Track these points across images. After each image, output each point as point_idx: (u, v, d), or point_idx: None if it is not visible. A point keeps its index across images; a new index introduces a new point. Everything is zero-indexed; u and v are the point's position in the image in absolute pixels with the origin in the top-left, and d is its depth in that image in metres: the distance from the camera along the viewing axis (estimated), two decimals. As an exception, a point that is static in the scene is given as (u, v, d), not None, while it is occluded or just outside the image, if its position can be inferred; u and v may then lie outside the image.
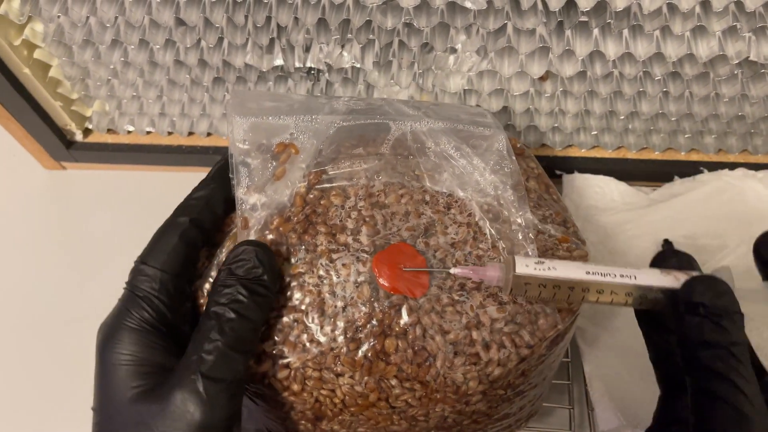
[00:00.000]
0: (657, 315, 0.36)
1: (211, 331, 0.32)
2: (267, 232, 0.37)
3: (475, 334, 0.35)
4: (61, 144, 0.61)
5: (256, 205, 0.37)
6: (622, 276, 0.34)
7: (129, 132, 0.63)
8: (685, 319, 0.31)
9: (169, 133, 0.62)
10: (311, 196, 0.38)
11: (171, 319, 0.34)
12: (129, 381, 0.32)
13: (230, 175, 0.38)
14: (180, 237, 0.35)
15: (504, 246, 0.38)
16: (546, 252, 0.39)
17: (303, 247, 0.36)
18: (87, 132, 0.63)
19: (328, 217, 0.37)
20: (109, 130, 0.63)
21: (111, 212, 0.64)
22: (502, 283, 0.35)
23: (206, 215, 0.37)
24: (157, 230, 0.36)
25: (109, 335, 0.33)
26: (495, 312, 0.36)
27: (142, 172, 0.65)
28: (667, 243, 0.54)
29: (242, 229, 0.37)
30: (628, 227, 0.55)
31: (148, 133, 0.63)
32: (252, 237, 0.36)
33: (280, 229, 0.37)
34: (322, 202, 0.38)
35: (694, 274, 0.33)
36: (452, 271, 0.36)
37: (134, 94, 0.57)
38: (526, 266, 0.34)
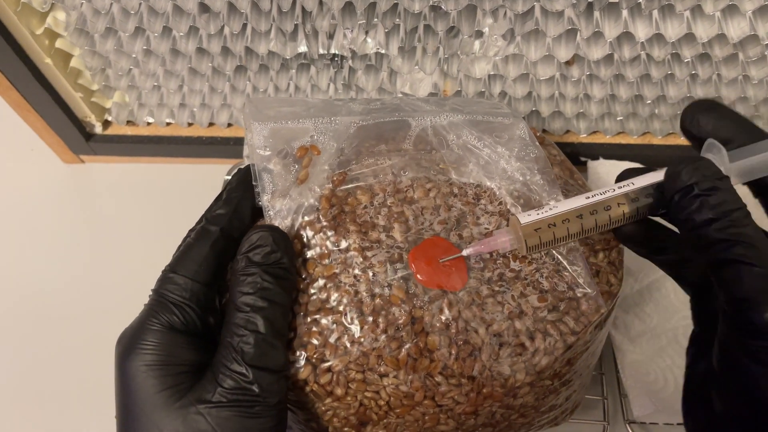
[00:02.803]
0: (656, 227, 0.34)
1: (246, 321, 0.32)
2: (296, 236, 0.36)
3: (518, 324, 0.35)
4: (81, 136, 0.61)
5: (282, 210, 0.36)
6: (620, 187, 0.34)
7: (149, 124, 0.62)
8: (681, 205, 0.30)
9: (189, 125, 0.62)
10: (337, 196, 0.37)
11: (201, 328, 0.33)
12: (163, 383, 0.31)
13: (254, 183, 0.37)
14: (211, 247, 0.34)
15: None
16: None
17: (336, 247, 0.36)
18: (106, 124, 0.63)
19: (357, 216, 0.36)
20: (128, 122, 0.62)
21: (131, 206, 0.63)
22: (516, 245, 0.35)
23: (235, 224, 0.36)
24: (186, 239, 0.35)
25: (132, 341, 0.32)
26: (536, 301, 0.35)
27: (162, 165, 0.65)
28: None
29: None
30: (655, 213, 0.55)
31: (168, 124, 0.62)
32: None
33: (309, 231, 0.36)
34: (349, 201, 0.37)
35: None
36: (465, 252, 0.35)
37: (155, 84, 0.57)
38: (529, 215, 0.34)
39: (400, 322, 0.34)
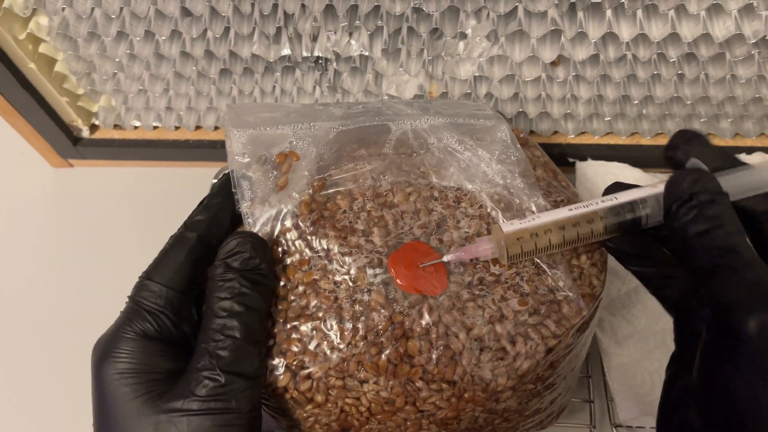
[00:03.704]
0: (640, 242, 0.35)
1: (222, 326, 0.31)
2: (275, 243, 0.36)
3: (499, 329, 0.34)
4: (68, 140, 0.61)
5: (262, 217, 0.36)
6: (603, 201, 0.35)
7: (136, 127, 0.62)
8: (677, 214, 0.30)
9: (176, 128, 0.62)
10: (317, 201, 0.37)
11: (176, 335, 0.33)
12: (136, 390, 0.31)
13: (233, 190, 0.37)
14: (187, 254, 0.34)
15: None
16: None
17: (315, 254, 0.36)
18: (93, 128, 0.63)
19: (336, 221, 0.36)
20: (115, 126, 0.62)
21: (120, 210, 0.63)
22: (497, 253, 0.35)
23: (213, 231, 0.36)
24: (164, 247, 0.35)
25: (107, 348, 0.32)
26: (517, 304, 0.35)
27: (150, 169, 0.65)
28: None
29: None
30: (643, 214, 0.54)
31: (155, 128, 0.62)
32: None
33: (289, 237, 0.36)
34: (328, 206, 0.37)
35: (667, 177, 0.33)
36: (445, 258, 0.35)
37: (140, 88, 0.57)
38: (512, 224, 0.35)
39: (380, 327, 0.34)
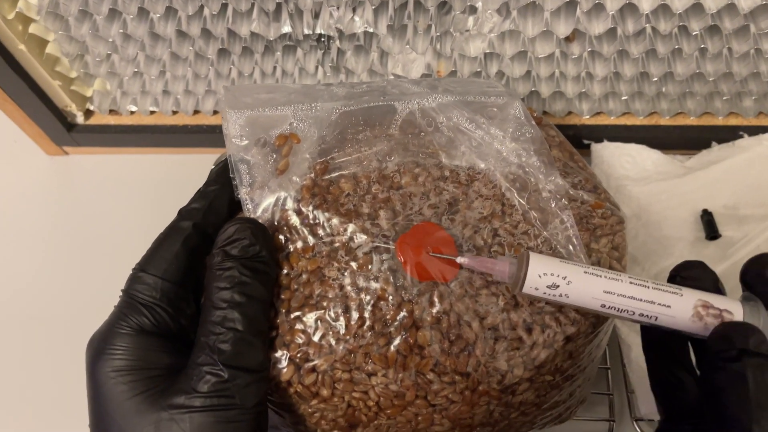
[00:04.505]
0: (667, 343, 0.33)
1: (222, 318, 0.30)
2: (277, 229, 0.34)
3: (514, 317, 0.32)
4: (62, 126, 0.59)
5: (262, 202, 0.34)
6: (641, 315, 0.31)
7: (132, 112, 0.60)
8: (724, 370, 0.29)
9: (174, 113, 0.59)
10: (319, 185, 0.35)
11: (174, 329, 0.32)
12: (134, 388, 0.29)
13: (231, 175, 0.35)
14: (182, 243, 0.32)
15: (536, 216, 0.35)
16: (581, 220, 0.36)
17: (319, 240, 0.34)
18: (88, 114, 0.61)
19: (340, 205, 0.34)
20: (111, 111, 0.60)
21: (117, 198, 0.61)
22: (511, 281, 0.32)
23: (210, 220, 0.34)
24: (158, 237, 0.33)
25: (102, 345, 0.30)
26: None
27: (147, 156, 0.62)
28: (706, 214, 0.50)
29: None
30: (662, 198, 0.52)
31: (152, 113, 0.60)
32: None
33: (291, 223, 0.34)
34: (331, 190, 0.35)
35: (724, 316, 0.31)
36: (459, 260, 0.33)
37: (136, 70, 0.54)
38: (536, 289, 0.31)
39: (388, 317, 0.32)
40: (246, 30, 0.49)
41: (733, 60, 0.49)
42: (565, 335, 0.32)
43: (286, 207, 0.34)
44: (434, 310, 0.32)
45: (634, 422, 0.44)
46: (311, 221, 0.34)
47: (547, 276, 0.31)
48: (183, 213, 0.34)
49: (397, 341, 0.32)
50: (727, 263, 0.49)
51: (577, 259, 0.34)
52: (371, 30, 0.49)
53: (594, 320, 0.34)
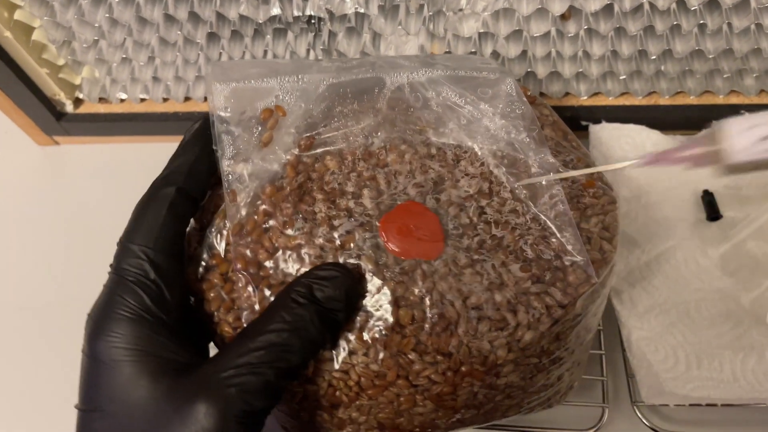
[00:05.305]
0: None
1: (263, 349, 0.28)
2: (259, 202, 0.33)
3: (498, 297, 0.32)
4: (51, 116, 0.58)
5: (244, 175, 0.33)
6: None
7: (122, 100, 0.59)
8: None
9: (165, 100, 0.58)
10: (304, 162, 0.34)
11: (171, 302, 0.30)
12: (134, 379, 0.28)
13: (213, 147, 0.34)
14: (168, 209, 0.31)
15: (525, 193, 0.34)
16: (572, 200, 0.35)
17: (300, 216, 0.33)
18: (78, 102, 0.60)
19: (324, 183, 0.34)
20: (101, 99, 0.59)
21: (109, 188, 0.60)
22: (716, 162, 0.28)
23: (192, 183, 0.33)
24: (138, 205, 0.32)
25: (102, 327, 0.29)
26: (519, 271, 0.32)
27: (139, 145, 0.62)
28: (707, 194, 0.49)
29: (231, 203, 0.33)
30: (663, 178, 0.51)
31: (143, 100, 0.59)
32: (243, 210, 0.33)
33: (273, 199, 0.33)
34: (316, 168, 0.34)
35: None
36: (638, 162, 0.29)
37: (124, 56, 0.53)
38: (747, 150, 0.26)
39: (369, 295, 0.31)
40: (234, 13, 0.48)
41: (733, 36, 0.48)
42: (552, 317, 0.32)
43: (269, 181, 0.33)
44: (416, 290, 0.31)
45: (634, 406, 0.43)
46: (294, 198, 0.33)
47: (755, 129, 0.27)
48: (161, 179, 0.33)
49: (378, 320, 0.31)
50: (728, 244, 0.48)
51: (566, 234, 0.33)
52: (362, 11, 0.48)
53: (583, 302, 0.33)
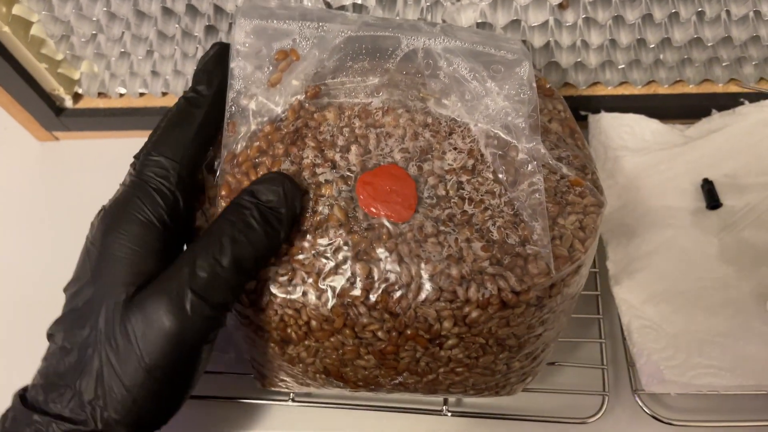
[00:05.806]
0: None
1: (213, 248, 0.30)
2: (255, 139, 0.35)
3: (454, 270, 0.32)
4: (50, 111, 0.58)
5: (247, 110, 0.35)
6: None
7: (121, 95, 0.59)
8: None
9: (164, 94, 0.58)
10: (305, 109, 0.36)
11: (182, 215, 0.33)
12: (123, 276, 0.30)
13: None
14: (197, 131, 0.33)
15: (506, 178, 0.34)
16: (555, 194, 0.35)
17: (288, 158, 0.35)
18: (77, 97, 0.60)
19: (319, 132, 0.35)
20: (100, 94, 0.59)
21: (109, 184, 0.59)
22: None
23: (216, 112, 0.34)
24: (166, 119, 0.34)
25: (116, 222, 0.31)
26: (480, 249, 0.33)
27: (138, 139, 0.61)
28: (707, 183, 0.49)
29: (229, 134, 0.35)
30: (662, 168, 0.51)
31: (142, 95, 0.59)
32: (240, 143, 0.35)
33: (269, 137, 0.35)
34: (315, 116, 0.36)
35: None
36: None
37: (122, 50, 0.53)
38: None
39: (333, 244, 0.33)
40: (232, 5, 0.48)
41: (732, 24, 0.48)
42: (502, 301, 0.32)
43: (269, 120, 0.35)
44: (378, 247, 0.32)
45: (635, 394, 0.43)
46: (287, 139, 0.35)
47: None
48: (191, 99, 0.34)
49: (336, 267, 0.32)
50: (728, 233, 0.48)
51: (536, 224, 0.33)
52: (360, 2, 0.48)
53: (539, 293, 0.33)
